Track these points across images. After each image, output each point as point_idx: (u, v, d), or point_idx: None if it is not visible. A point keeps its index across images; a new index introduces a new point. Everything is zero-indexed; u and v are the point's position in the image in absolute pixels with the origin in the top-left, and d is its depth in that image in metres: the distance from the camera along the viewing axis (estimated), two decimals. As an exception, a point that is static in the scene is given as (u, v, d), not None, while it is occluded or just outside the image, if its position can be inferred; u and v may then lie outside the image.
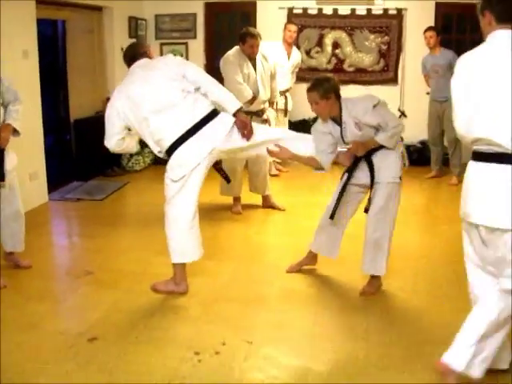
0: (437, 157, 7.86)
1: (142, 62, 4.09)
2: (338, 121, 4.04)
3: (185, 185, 3.88)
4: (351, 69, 8.60)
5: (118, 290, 4.13)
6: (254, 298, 4.08)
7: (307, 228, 4.72)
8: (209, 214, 5.85)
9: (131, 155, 7.76)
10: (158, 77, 3.94)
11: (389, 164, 4.02)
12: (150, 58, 4.17)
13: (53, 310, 3.91)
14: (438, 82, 7.52)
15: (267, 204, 6.26)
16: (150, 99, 3.87)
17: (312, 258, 4.53)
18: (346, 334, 3.60)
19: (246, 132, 3.97)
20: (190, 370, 3.16)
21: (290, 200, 6.44)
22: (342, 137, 4.04)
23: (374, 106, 3.93)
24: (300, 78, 7.85)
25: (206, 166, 3.96)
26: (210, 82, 4.03)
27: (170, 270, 4.12)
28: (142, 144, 7.81)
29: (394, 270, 4.54)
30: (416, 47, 8.48)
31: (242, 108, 4.07)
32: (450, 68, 7.39)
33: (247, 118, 4.08)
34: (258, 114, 5.88)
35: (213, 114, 3.94)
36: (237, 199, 6.16)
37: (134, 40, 8.56)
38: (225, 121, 3.95)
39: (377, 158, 4.03)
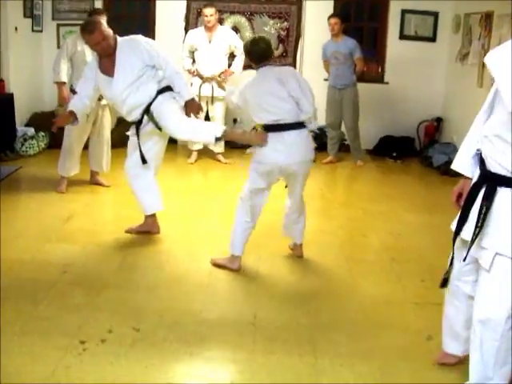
0: (335, 141, 8.03)
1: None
2: None
3: None
4: (250, 54, 8.61)
5: (4, 279, 4.00)
6: (142, 285, 4.05)
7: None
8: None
9: (25, 139, 7.52)
10: None
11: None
12: None
13: None
14: (338, 69, 7.69)
15: (94, 181, 6.43)
16: None
17: None
18: (234, 319, 3.63)
19: None
20: (75, 358, 3.10)
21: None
22: None
23: None
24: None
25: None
26: None
27: (58, 257, 4.03)
28: (36, 127, 7.73)
29: (283, 255, 4.64)
30: (315, 34, 8.61)
31: None
32: (350, 56, 7.58)
33: None
34: None
35: None
36: (64, 178, 6.19)
37: (29, 20, 8.26)
38: None
39: None
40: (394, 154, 8.39)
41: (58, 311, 3.60)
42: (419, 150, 8.74)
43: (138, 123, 4.65)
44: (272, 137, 4.08)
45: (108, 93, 4.67)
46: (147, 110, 4.57)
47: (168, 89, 4.64)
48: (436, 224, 5.60)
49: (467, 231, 2.69)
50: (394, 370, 3.14)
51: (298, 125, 4.14)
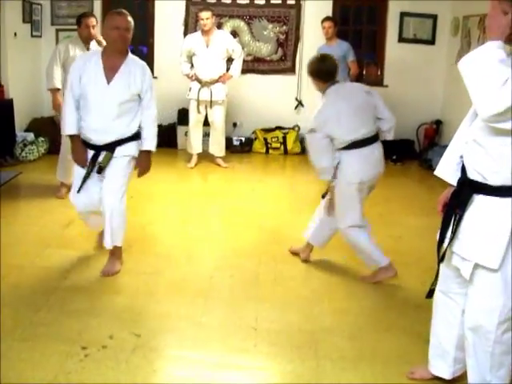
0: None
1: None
2: None
3: None
4: (249, 58, 8.63)
5: (3, 285, 3.98)
6: (142, 290, 4.04)
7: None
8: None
9: (25, 144, 7.52)
10: None
11: None
12: None
13: None
14: None
15: None
16: None
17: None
18: (235, 324, 3.63)
19: None
20: (76, 365, 3.09)
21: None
22: None
23: None
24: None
25: None
26: None
27: (58, 263, 4.03)
28: (36, 133, 7.73)
29: (284, 259, 4.63)
30: (314, 37, 8.61)
31: None
32: (344, 59, 7.58)
33: None
34: None
35: None
36: (64, 184, 6.14)
37: (28, 25, 8.25)
38: None
39: None
40: (394, 157, 8.38)
41: (58, 317, 3.59)
42: (419, 152, 8.75)
43: (97, 153, 4.20)
44: (363, 151, 4.10)
45: (94, 93, 4.12)
46: (113, 146, 4.17)
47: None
48: (436, 227, 5.54)
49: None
50: (396, 373, 3.13)
51: (377, 137, 4.21)
